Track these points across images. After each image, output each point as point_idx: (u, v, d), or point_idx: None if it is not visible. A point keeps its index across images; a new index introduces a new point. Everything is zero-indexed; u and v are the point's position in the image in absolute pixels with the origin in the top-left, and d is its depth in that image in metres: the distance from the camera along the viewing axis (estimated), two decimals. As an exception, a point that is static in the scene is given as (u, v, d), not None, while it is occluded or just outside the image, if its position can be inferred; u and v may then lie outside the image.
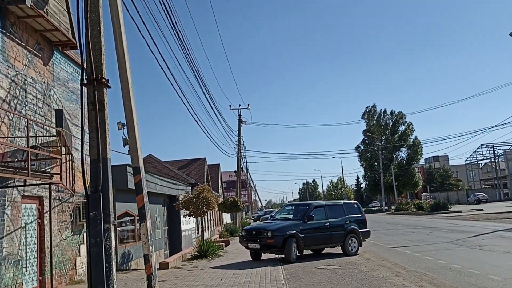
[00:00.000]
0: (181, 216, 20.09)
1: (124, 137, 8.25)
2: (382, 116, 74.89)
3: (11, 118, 9.52)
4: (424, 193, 75.24)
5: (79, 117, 13.12)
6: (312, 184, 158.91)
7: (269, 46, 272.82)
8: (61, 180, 10.16)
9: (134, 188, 8.32)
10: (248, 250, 15.22)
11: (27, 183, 9.47)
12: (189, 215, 17.32)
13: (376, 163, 73.70)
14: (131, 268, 14.80)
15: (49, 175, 10.18)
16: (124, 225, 15.69)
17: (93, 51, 6.71)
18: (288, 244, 13.77)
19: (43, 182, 9.37)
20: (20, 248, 9.49)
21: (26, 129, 10.09)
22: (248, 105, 38.24)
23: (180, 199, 17.38)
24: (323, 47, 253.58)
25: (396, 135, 72.83)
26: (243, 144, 38.59)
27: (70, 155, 11.41)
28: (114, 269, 6.31)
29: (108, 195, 6.15)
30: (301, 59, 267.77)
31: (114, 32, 7.74)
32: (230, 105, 35.06)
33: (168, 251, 21.16)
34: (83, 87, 6.49)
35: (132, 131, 8.20)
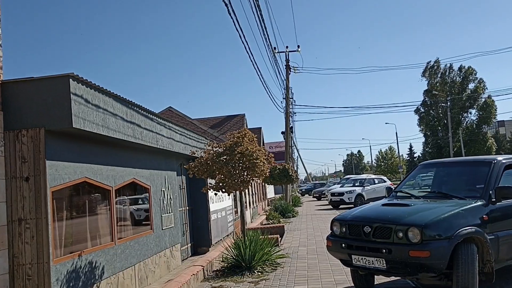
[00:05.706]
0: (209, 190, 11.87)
1: None
2: (447, 73, 64.46)
3: None
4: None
5: None
6: (357, 155, 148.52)
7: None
8: None
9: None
10: (337, 258, 6.61)
11: None
12: (216, 189, 8.91)
13: (439, 127, 64.31)
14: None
15: None
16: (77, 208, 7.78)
17: None
18: (464, 259, 5.34)
19: None
20: None
21: None
22: (299, 47, 29.69)
23: (198, 156, 9.08)
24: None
25: (464, 94, 62.47)
26: (292, 98, 30.23)
27: None
28: None
29: None
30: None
31: None
32: (274, 48, 26.29)
33: (189, 244, 13.18)
34: None
35: None
